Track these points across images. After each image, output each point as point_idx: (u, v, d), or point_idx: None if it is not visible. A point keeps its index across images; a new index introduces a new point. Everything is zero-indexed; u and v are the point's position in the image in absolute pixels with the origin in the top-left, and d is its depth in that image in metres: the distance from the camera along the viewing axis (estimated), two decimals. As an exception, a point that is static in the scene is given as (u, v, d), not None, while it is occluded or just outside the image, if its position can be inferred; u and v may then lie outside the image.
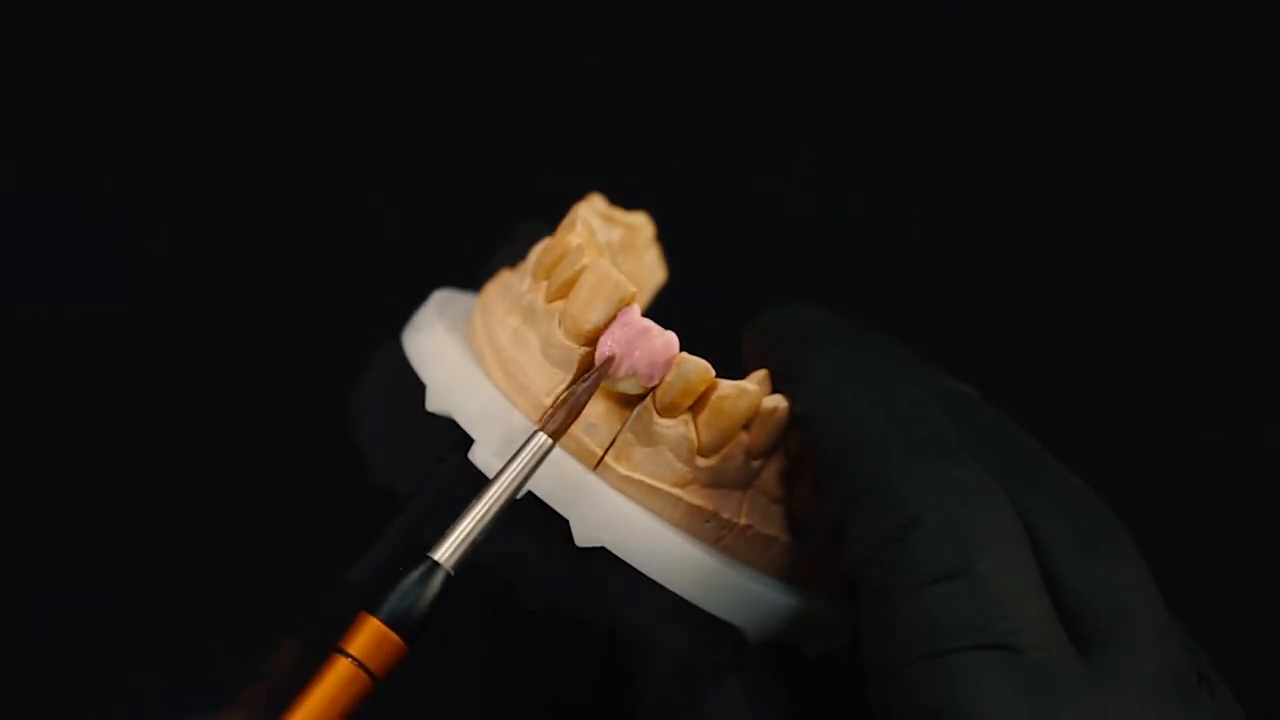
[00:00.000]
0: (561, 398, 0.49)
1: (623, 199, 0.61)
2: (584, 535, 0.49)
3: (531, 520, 0.49)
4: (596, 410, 0.50)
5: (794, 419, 0.50)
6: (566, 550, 0.50)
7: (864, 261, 0.75)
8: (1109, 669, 0.44)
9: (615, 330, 0.49)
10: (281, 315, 0.71)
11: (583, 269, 0.50)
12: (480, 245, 0.71)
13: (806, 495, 0.52)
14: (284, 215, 0.73)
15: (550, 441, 0.48)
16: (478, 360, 0.52)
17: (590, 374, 0.49)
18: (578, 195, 0.59)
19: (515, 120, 0.74)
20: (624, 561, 0.49)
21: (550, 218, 0.59)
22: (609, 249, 0.58)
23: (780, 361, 0.51)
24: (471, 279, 0.60)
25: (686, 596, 0.50)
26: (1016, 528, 0.46)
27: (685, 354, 0.49)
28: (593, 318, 0.50)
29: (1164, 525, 0.71)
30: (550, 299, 0.51)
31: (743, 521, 0.51)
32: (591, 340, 0.50)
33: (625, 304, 0.49)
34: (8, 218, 0.71)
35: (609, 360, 0.49)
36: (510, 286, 0.54)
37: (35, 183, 0.71)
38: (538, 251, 0.54)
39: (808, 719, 0.51)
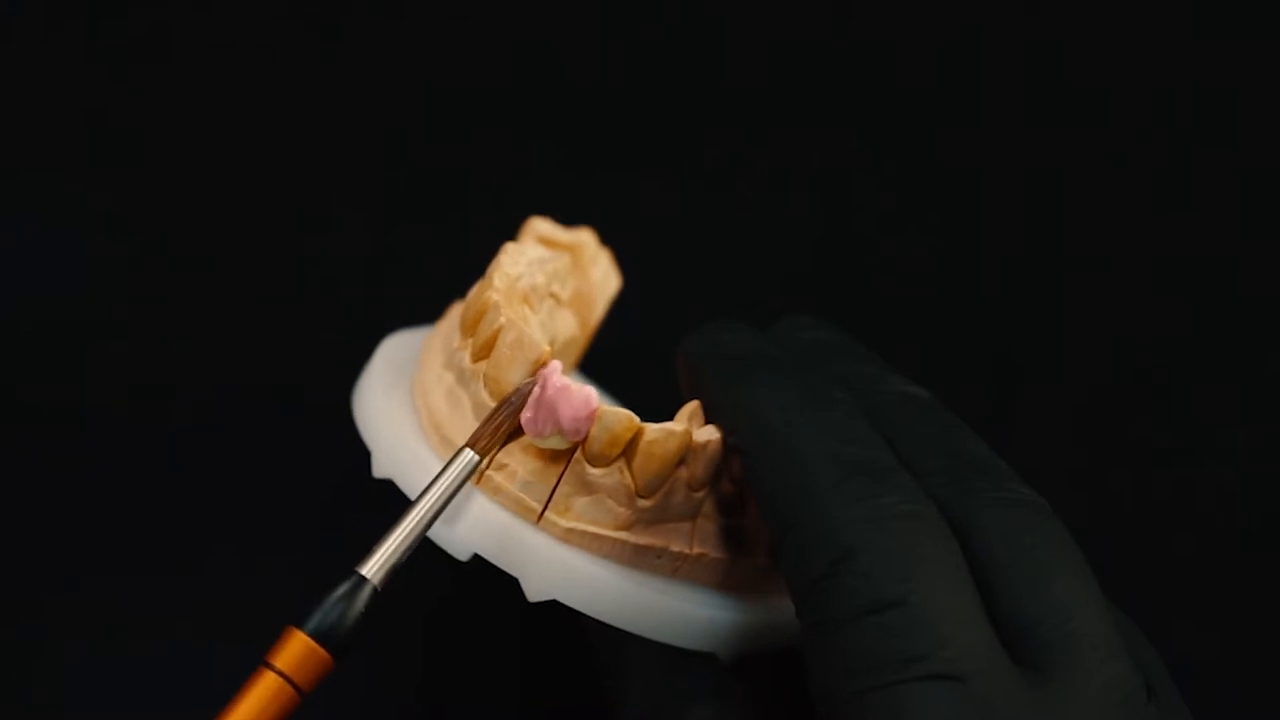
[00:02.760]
0: (487, 417, 0.50)
1: (578, 211, 0.62)
2: (534, 590, 0.50)
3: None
4: (531, 468, 0.50)
5: (728, 449, 0.51)
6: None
7: (819, 269, 0.75)
8: (1055, 692, 0.44)
9: (535, 390, 0.50)
10: (268, 318, 0.71)
11: (499, 329, 0.51)
12: (438, 249, 0.71)
13: (756, 512, 0.52)
14: (249, 221, 0.73)
15: (476, 457, 0.49)
16: (419, 420, 0.53)
17: (513, 395, 0.50)
18: (532, 206, 0.59)
19: (472, 130, 0.74)
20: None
21: (503, 226, 0.59)
22: (554, 276, 0.58)
23: (709, 391, 0.51)
24: (430, 281, 0.60)
25: (645, 635, 0.50)
26: (952, 552, 0.46)
27: (605, 406, 0.49)
28: (512, 379, 0.50)
29: (1121, 529, 0.71)
30: (475, 359, 0.52)
31: (695, 551, 0.51)
32: None
33: (541, 364, 0.50)
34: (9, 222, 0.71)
35: (531, 381, 0.50)
36: (449, 336, 0.54)
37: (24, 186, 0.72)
38: (459, 307, 0.55)
39: None
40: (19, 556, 0.67)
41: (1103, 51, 0.77)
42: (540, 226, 0.59)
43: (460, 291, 0.56)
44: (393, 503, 0.51)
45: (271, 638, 0.47)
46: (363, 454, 0.53)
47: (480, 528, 0.50)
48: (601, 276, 0.61)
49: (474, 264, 0.56)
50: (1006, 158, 0.76)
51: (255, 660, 0.46)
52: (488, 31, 0.75)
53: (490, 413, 0.50)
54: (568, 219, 0.62)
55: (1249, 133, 0.76)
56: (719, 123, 0.76)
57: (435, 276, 0.62)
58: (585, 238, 0.60)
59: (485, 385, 0.51)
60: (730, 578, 0.52)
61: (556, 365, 0.50)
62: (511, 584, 0.50)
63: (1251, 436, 0.73)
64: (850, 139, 0.76)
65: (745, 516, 0.52)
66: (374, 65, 0.74)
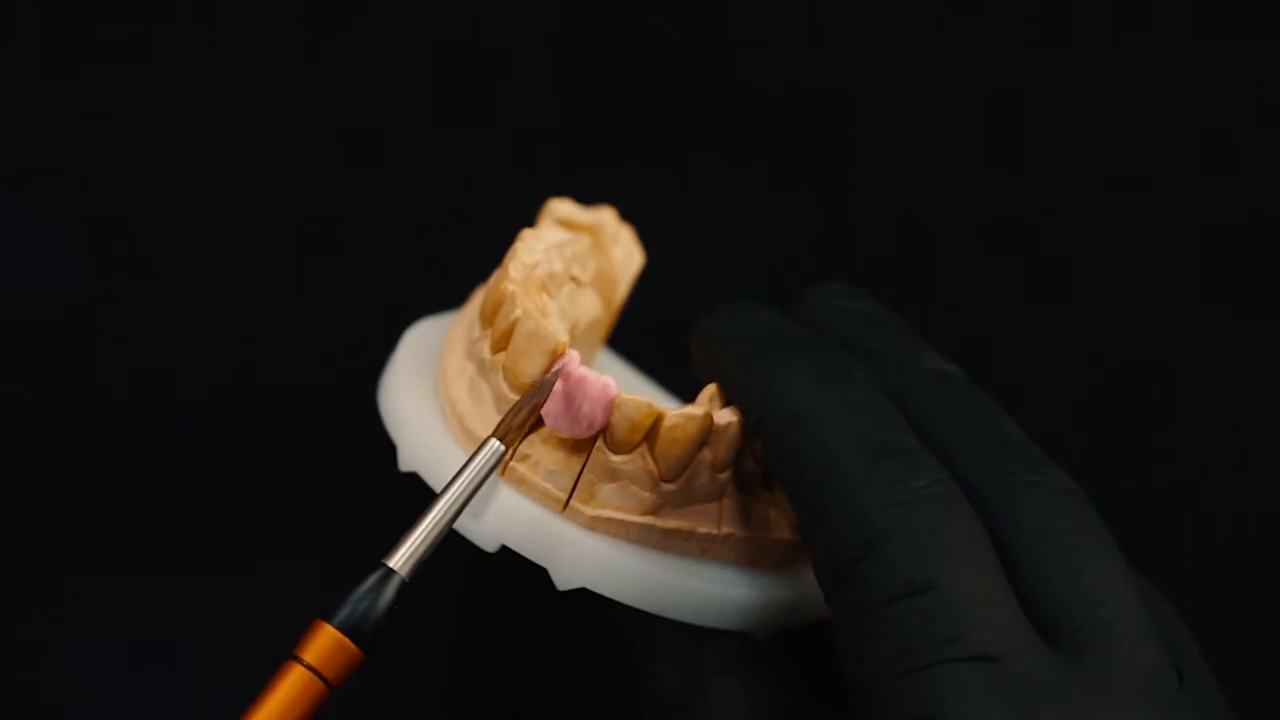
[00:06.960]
0: (511, 409, 0.50)
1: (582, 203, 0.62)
2: (563, 580, 0.50)
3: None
4: (554, 457, 0.50)
5: (750, 431, 0.50)
6: None
7: (819, 269, 0.75)
8: (1088, 673, 0.44)
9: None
10: (268, 318, 0.71)
11: (516, 320, 0.51)
12: (439, 248, 0.71)
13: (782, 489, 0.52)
14: (249, 221, 0.73)
15: (502, 447, 0.49)
16: (443, 413, 0.53)
17: (537, 386, 0.50)
18: (532, 206, 0.59)
19: (472, 122, 0.74)
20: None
21: (507, 218, 0.59)
22: (574, 259, 0.58)
23: (728, 374, 0.51)
24: (432, 279, 0.60)
25: (676, 618, 0.50)
26: (979, 533, 0.46)
27: (624, 395, 0.49)
28: (529, 371, 0.50)
29: (1121, 529, 0.71)
30: (494, 350, 0.52)
31: (724, 531, 0.51)
32: None
33: (558, 355, 0.50)
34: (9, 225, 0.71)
35: (556, 373, 0.49)
36: (470, 326, 0.54)
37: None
38: (479, 296, 0.55)
39: (819, 703, 0.51)
40: (21, 557, 0.67)
41: (1103, 52, 0.77)
42: (559, 208, 0.59)
43: (459, 291, 0.56)
44: (411, 496, 0.50)
45: (293, 636, 0.47)
46: (366, 452, 0.53)
47: (506, 519, 0.50)
48: (624, 254, 0.61)
49: (474, 263, 0.56)
50: (1007, 157, 0.76)
51: (276, 659, 0.46)
52: (488, 31, 0.75)
53: (514, 405, 0.50)
54: (568, 218, 0.62)
55: (1249, 133, 0.76)
56: (719, 122, 0.76)
57: (435, 276, 0.62)
58: (605, 217, 0.60)
59: (504, 377, 0.51)
60: (761, 555, 0.52)
61: (574, 356, 0.50)
62: (535, 574, 0.50)
63: (1251, 436, 0.73)
64: (850, 139, 0.76)
65: (773, 493, 0.52)
66: (374, 65, 0.74)
